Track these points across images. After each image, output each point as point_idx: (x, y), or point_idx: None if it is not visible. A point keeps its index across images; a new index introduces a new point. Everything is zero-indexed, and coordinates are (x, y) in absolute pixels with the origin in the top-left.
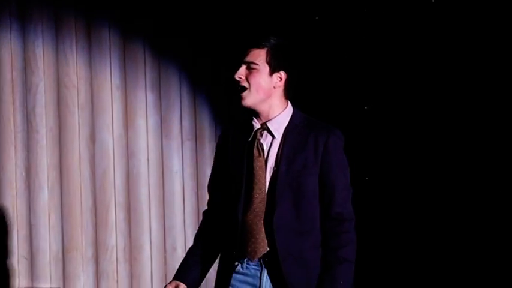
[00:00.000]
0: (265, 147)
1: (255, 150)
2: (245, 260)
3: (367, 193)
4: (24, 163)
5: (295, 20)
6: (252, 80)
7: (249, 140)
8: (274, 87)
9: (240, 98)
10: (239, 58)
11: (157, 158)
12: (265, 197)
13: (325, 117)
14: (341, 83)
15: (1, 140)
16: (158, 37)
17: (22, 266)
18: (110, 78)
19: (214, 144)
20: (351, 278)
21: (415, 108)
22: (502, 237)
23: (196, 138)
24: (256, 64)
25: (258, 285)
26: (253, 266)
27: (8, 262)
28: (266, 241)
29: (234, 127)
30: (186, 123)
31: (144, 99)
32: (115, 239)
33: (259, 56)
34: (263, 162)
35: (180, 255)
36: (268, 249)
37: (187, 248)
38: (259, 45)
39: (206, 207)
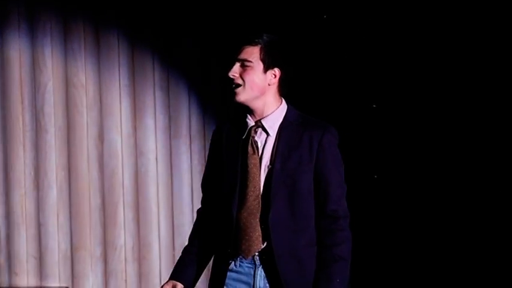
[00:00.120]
0: (260, 145)
1: (250, 148)
2: (239, 258)
3: (376, 191)
4: (33, 162)
5: (304, 19)
6: (246, 78)
7: (243, 137)
8: (269, 85)
9: (234, 94)
10: (232, 56)
11: (166, 157)
12: (260, 194)
13: (333, 115)
14: (349, 81)
15: (10, 139)
16: (166, 36)
17: (31, 265)
18: (118, 78)
19: None
20: (346, 276)
21: (423, 106)
22: (503, 236)
23: (205, 137)
24: (250, 61)
25: (251, 283)
26: (246, 264)
27: (16, 261)
28: (260, 239)
29: (228, 124)
30: (194, 122)
31: (153, 99)
32: (124, 238)
33: (252, 54)
34: (257, 159)
35: None
36: (262, 247)
37: None
38: (252, 43)
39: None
